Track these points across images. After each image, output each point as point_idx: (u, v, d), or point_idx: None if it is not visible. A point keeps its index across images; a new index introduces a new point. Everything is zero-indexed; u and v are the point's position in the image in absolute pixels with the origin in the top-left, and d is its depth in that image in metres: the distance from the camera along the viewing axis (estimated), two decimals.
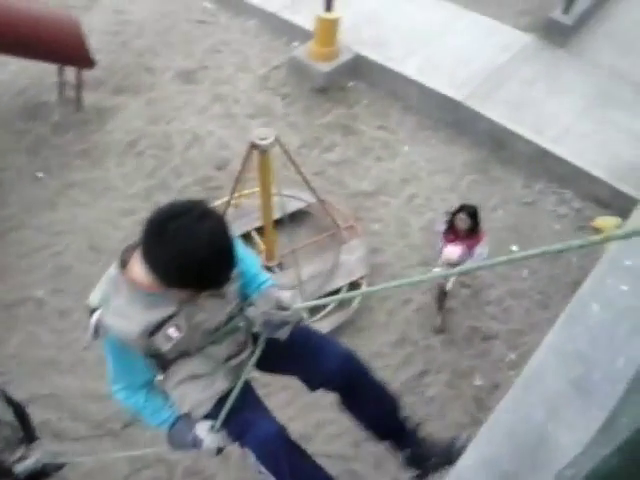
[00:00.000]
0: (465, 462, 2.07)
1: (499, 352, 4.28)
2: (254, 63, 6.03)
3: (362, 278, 4.50)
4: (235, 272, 1.96)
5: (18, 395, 3.35)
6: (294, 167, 4.20)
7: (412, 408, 3.91)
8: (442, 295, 4.23)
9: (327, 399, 3.74)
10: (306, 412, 3.89)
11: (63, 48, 5.21)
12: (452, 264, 3.85)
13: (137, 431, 3.78)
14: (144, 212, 4.88)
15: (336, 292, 4.40)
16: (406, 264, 4.68)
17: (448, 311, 4.36)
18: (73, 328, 4.25)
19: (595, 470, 1.49)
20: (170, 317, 1.88)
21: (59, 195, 5.01)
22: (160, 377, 2.17)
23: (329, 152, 5.32)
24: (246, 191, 4.62)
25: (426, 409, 3.99)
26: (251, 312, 1.94)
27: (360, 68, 5.79)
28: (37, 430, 3.32)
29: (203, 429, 2.11)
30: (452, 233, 3.97)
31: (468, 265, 2.06)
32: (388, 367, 4.12)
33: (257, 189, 4.24)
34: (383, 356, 4.18)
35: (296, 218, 4.73)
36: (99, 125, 5.50)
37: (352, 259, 4.59)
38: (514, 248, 4.76)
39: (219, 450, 2.16)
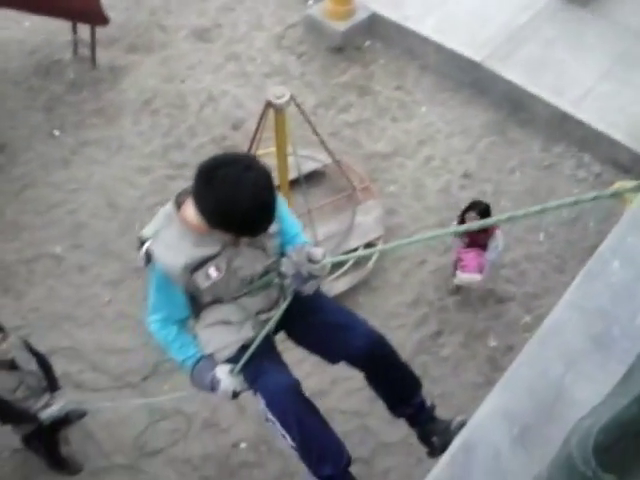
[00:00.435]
0: (483, 411, 2.10)
1: (514, 314, 4.29)
2: (269, 21, 5.93)
3: (377, 239, 4.50)
4: (276, 229, 2.11)
5: (39, 347, 3.43)
6: (310, 127, 4.17)
7: (426, 368, 3.97)
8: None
9: None
10: (322, 368, 3.91)
11: (77, 5, 5.15)
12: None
13: (155, 384, 3.86)
14: (161, 170, 4.90)
15: (353, 252, 4.41)
16: (422, 226, 4.68)
17: None
18: (91, 283, 4.31)
19: (614, 418, 1.50)
20: (212, 257, 2.03)
21: (75, 153, 5.01)
22: (193, 322, 2.30)
23: (345, 112, 5.27)
24: (261, 151, 4.60)
25: (440, 369, 4.03)
26: (284, 263, 2.04)
27: (376, 27, 5.69)
28: (59, 380, 3.40)
29: (223, 371, 2.21)
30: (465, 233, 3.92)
31: (487, 220, 2.03)
32: (403, 327, 4.16)
33: (272, 149, 4.22)
34: (398, 316, 4.21)
35: (311, 179, 4.71)
36: (113, 83, 5.46)
37: (367, 220, 4.59)
38: None
39: (235, 394, 2.24)
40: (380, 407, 3.92)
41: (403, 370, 2.41)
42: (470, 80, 5.36)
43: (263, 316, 2.25)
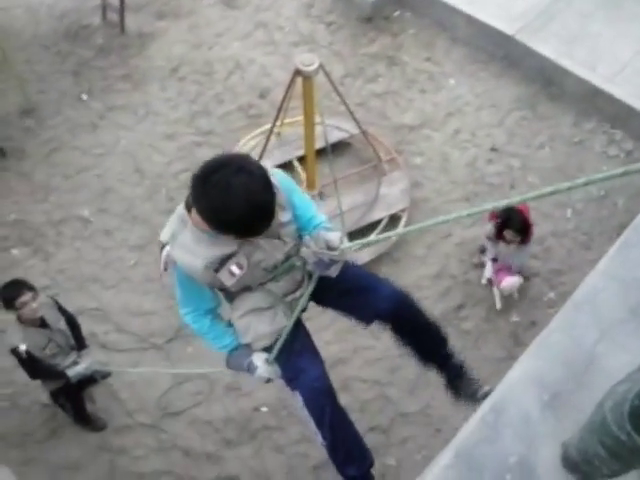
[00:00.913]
0: (514, 375, 2.10)
1: (538, 290, 4.26)
2: None
3: (403, 211, 4.48)
4: (288, 217, 2.11)
5: (66, 307, 3.48)
6: (338, 96, 4.14)
7: None
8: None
9: None
10: (343, 337, 3.96)
11: None
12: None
13: (179, 345, 3.92)
14: (187, 137, 4.91)
15: (377, 223, 4.40)
16: (447, 199, 4.63)
17: None
18: (118, 246, 4.36)
19: None
20: (231, 255, 2.05)
21: (102, 118, 5.04)
22: (227, 307, 2.37)
23: (373, 83, 5.21)
24: (288, 120, 4.58)
25: (461, 341, 4.01)
26: (304, 252, 2.07)
27: None
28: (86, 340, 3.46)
29: (260, 358, 2.31)
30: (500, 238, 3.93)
31: (514, 198, 1.99)
32: (426, 299, 4.13)
33: (299, 118, 4.20)
34: (421, 288, 4.20)
35: (338, 148, 4.68)
36: (141, 49, 5.45)
37: (393, 192, 4.56)
38: None
39: (268, 380, 2.36)
40: (400, 377, 3.97)
41: (429, 325, 2.47)
42: (501, 53, 5.25)
43: (290, 297, 2.30)
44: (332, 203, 4.35)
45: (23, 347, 3.10)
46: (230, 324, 2.38)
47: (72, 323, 3.40)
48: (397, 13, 5.64)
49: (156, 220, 4.47)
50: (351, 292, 2.35)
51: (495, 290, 4.15)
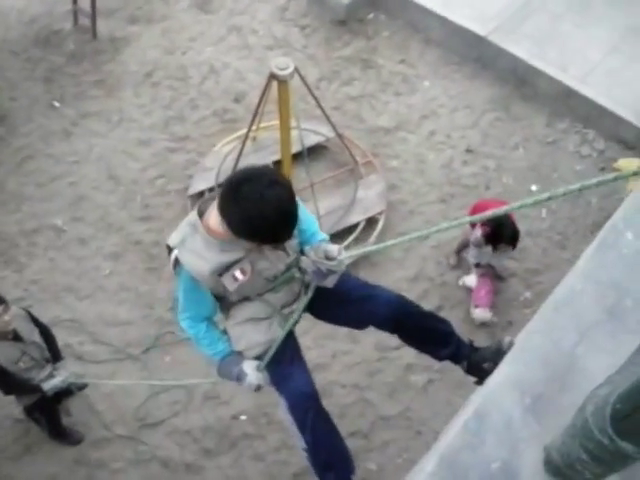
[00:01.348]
0: (496, 380, 2.10)
1: (514, 290, 4.30)
2: None
3: (380, 214, 4.48)
4: (295, 230, 2.18)
5: (40, 319, 3.41)
6: (314, 100, 4.13)
7: None
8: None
9: (343, 330, 3.80)
10: (321, 342, 3.95)
11: None
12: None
13: (156, 356, 3.86)
14: (162, 143, 4.85)
15: (354, 227, 4.40)
16: (423, 201, 4.65)
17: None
18: (93, 256, 4.29)
19: (632, 387, 1.50)
20: (237, 261, 2.15)
21: (75, 125, 4.96)
22: (221, 316, 2.44)
23: (348, 86, 5.21)
24: (263, 124, 4.55)
25: None
26: (304, 261, 2.18)
27: None
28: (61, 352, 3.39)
29: (250, 366, 2.36)
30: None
31: (492, 211, 1.95)
32: None
33: (275, 122, 4.18)
34: (399, 291, 4.09)
35: (314, 152, 4.67)
36: (114, 55, 5.38)
37: (370, 195, 4.56)
38: (533, 188, 4.70)
39: (258, 387, 2.38)
40: (379, 380, 3.97)
41: (431, 320, 2.50)
42: (474, 54, 5.29)
43: (287, 310, 2.36)
44: (309, 207, 4.29)
45: None
46: (224, 332, 2.44)
47: (47, 335, 3.33)
48: (371, 16, 5.65)
49: (131, 228, 4.41)
50: (348, 302, 2.41)
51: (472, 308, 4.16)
